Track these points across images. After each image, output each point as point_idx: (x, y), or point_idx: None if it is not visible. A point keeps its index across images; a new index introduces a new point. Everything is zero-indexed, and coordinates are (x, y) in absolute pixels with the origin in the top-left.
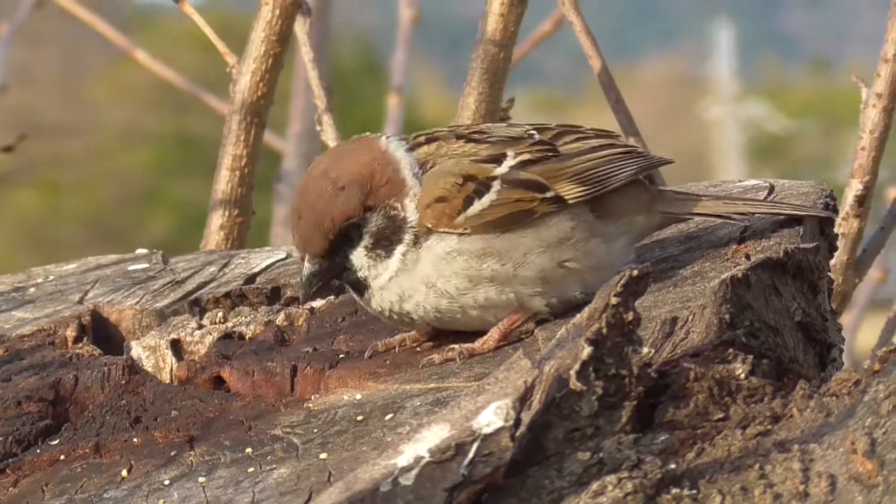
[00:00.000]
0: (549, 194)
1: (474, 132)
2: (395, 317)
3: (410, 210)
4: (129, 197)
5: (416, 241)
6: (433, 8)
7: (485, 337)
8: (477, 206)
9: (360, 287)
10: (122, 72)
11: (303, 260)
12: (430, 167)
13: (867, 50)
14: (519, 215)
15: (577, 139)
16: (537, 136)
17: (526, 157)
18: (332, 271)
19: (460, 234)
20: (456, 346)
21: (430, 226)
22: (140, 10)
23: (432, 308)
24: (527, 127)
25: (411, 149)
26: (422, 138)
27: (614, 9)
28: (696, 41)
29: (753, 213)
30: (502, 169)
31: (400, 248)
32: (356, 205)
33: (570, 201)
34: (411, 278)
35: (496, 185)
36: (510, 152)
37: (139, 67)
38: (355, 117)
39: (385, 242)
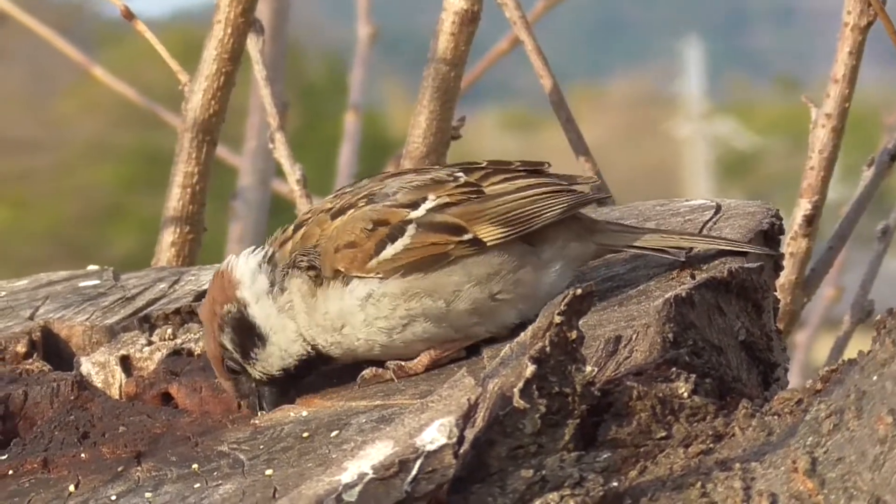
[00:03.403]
0: (466, 237)
1: (365, 196)
2: (342, 351)
3: (249, 296)
4: (96, 213)
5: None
6: (403, 23)
7: (417, 358)
8: (389, 250)
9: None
10: (90, 87)
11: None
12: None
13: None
14: (435, 258)
15: (505, 179)
16: (463, 178)
17: (445, 199)
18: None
19: (381, 279)
20: (391, 363)
21: (341, 269)
22: (109, 25)
23: (371, 342)
24: (454, 168)
25: (274, 250)
26: (290, 230)
27: (584, 27)
28: (666, 59)
29: (690, 248)
30: (418, 213)
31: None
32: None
33: (489, 244)
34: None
35: (410, 230)
36: (431, 195)
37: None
38: (321, 132)
39: (246, 334)
